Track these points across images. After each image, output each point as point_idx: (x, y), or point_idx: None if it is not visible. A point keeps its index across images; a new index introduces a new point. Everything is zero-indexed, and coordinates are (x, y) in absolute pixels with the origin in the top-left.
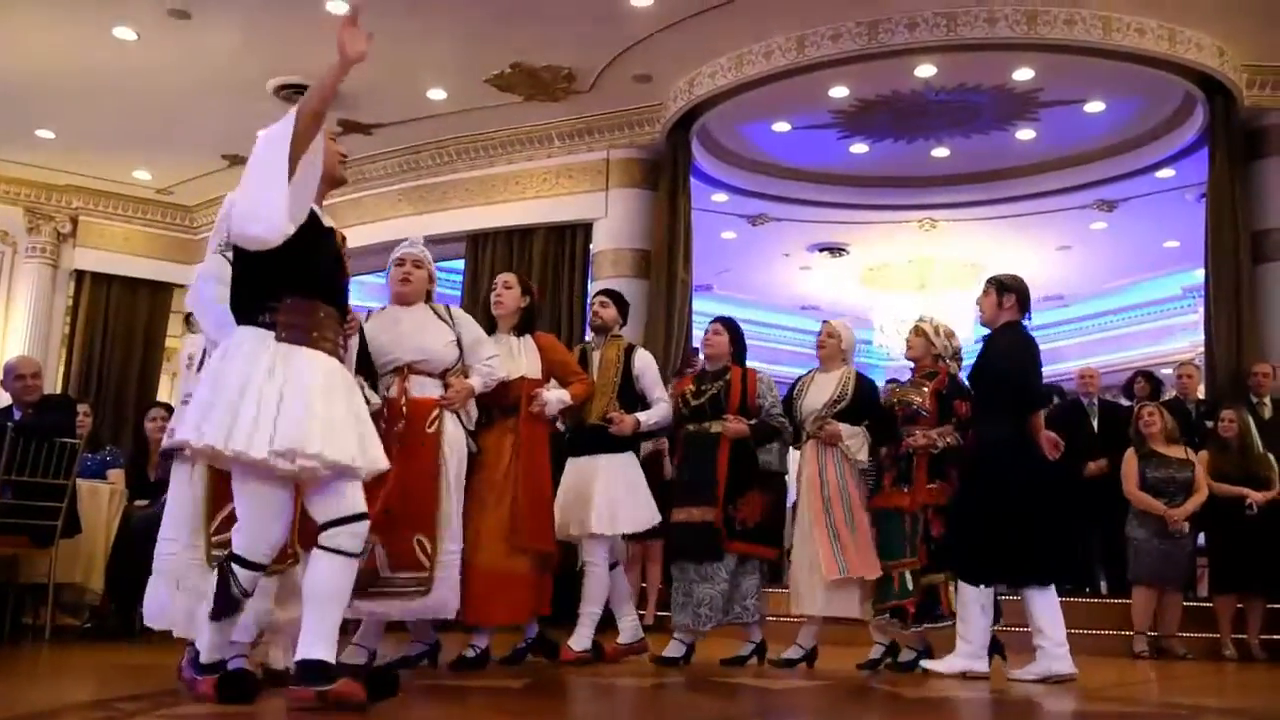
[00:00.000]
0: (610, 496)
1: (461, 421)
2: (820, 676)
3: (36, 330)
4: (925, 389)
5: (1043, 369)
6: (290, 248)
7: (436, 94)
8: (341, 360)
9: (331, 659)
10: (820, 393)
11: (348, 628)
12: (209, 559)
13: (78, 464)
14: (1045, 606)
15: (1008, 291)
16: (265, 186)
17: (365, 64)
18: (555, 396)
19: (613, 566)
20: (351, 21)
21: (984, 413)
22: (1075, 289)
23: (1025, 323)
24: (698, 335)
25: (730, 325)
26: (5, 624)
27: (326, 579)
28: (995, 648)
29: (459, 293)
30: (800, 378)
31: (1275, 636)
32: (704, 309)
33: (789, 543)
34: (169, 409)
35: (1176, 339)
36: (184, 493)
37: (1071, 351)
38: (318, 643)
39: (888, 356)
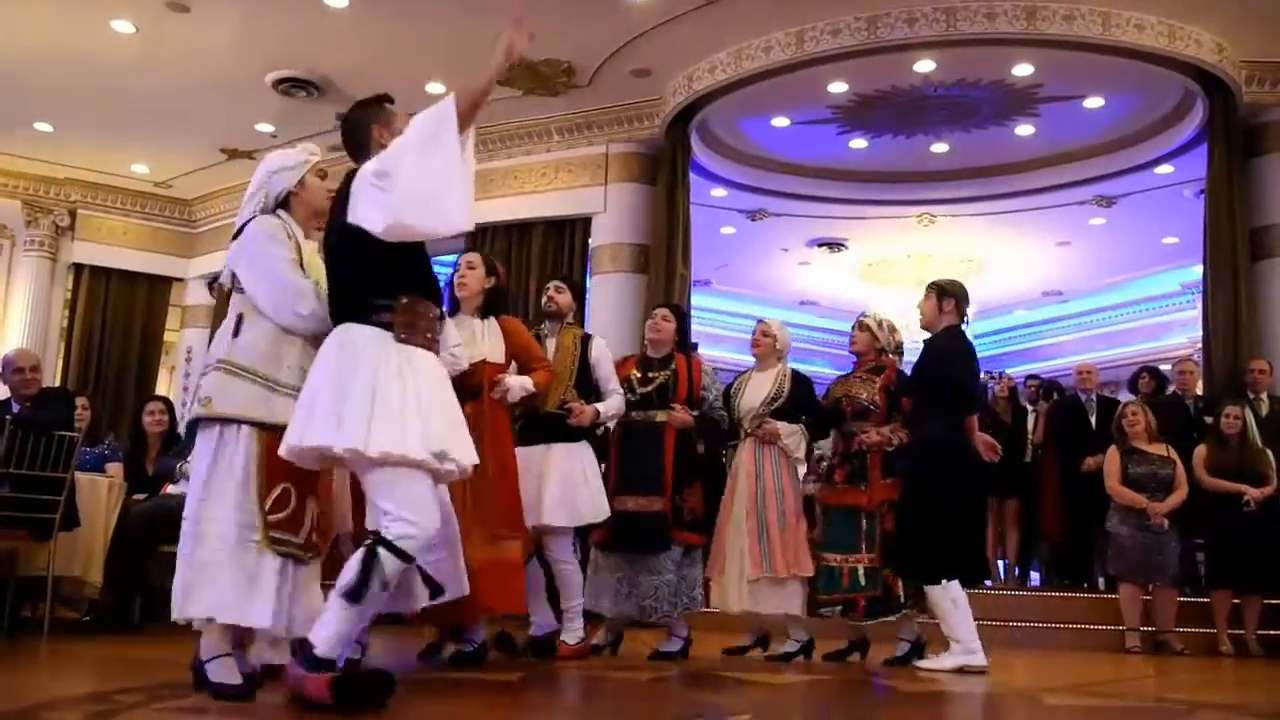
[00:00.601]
0: (568, 487)
1: None
2: (820, 671)
3: (35, 323)
4: (874, 384)
5: (980, 374)
6: (409, 245)
7: (435, 87)
8: None
9: (335, 656)
10: (757, 391)
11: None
12: (267, 542)
13: (76, 457)
14: (949, 603)
15: (947, 296)
16: (445, 174)
17: (363, 55)
18: (518, 383)
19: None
20: (520, 22)
21: (922, 413)
22: (1074, 285)
23: (964, 327)
24: (696, 331)
25: (679, 313)
26: (4, 617)
27: (356, 565)
28: (918, 646)
29: None
30: (738, 375)
31: (1272, 632)
32: (703, 304)
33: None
34: (167, 402)
35: (1175, 335)
36: (220, 471)
37: (1070, 347)
38: (323, 627)
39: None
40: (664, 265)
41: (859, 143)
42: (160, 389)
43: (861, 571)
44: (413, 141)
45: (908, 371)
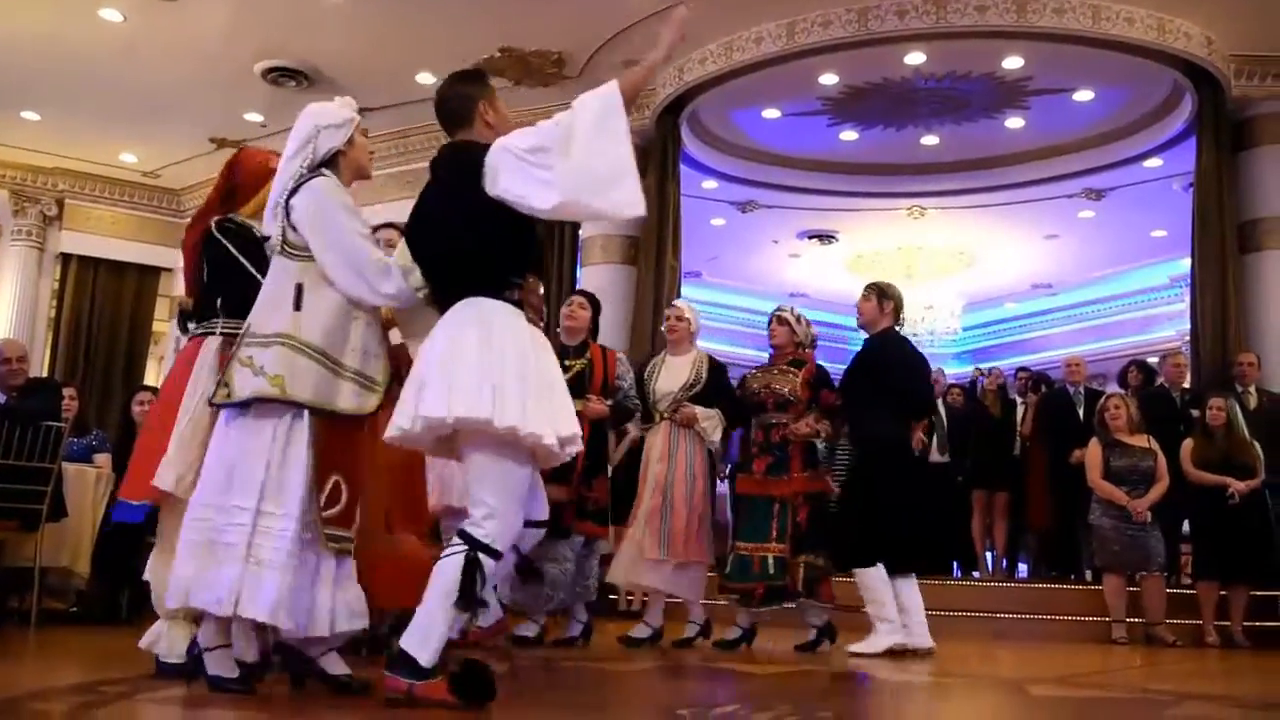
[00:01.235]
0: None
1: None
2: (806, 662)
3: (22, 313)
4: (795, 377)
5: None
6: (533, 225)
7: (425, 77)
8: None
9: (432, 657)
10: (673, 376)
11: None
12: (324, 541)
13: (63, 448)
14: (879, 583)
15: (887, 299)
16: (619, 159)
17: (353, 45)
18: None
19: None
20: (683, 23)
21: (867, 411)
22: (1063, 277)
23: (898, 329)
24: None
25: (594, 301)
26: None
27: (452, 571)
28: (827, 631)
29: None
30: (652, 360)
31: (1258, 623)
32: (693, 296)
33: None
34: (156, 392)
35: (1163, 328)
36: (249, 454)
37: (1059, 340)
38: (424, 639)
39: None
40: (654, 257)
41: (849, 135)
42: (149, 379)
43: (771, 560)
44: (583, 123)
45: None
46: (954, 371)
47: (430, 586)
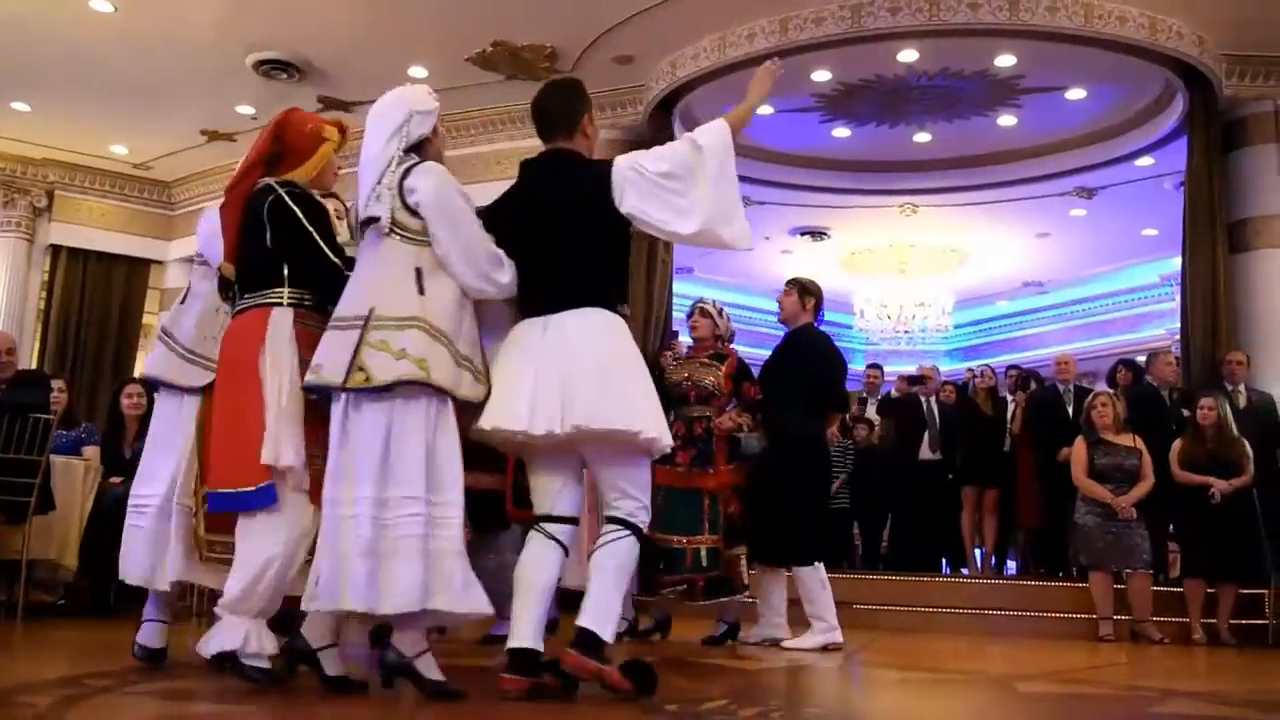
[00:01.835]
0: None
1: None
2: (795, 658)
3: (11, 305)
4: (718, 370)
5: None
6: None
7: (418, 71)
8: None
9: (612, 635)
10: None
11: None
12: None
13: (51, 440)
14: (818, 583)
15: (809, 294)
16: (735, 198)
17: (345, 39)
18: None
19: None
20: (776, 73)
21: (786, 406)
22: (1054, 275)
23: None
24: (678, 318)
25: None
26: None
27: (627, 552)
28: (738, 626)
29: None
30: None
31: (1244, 621)
32: (685, 291)
33: None
34: (145, 384)
35: (1154, 326)
36: (403, 441)
37: (1051, 338)
38: (607, 619)
39: (867, 341)
40: (646, 252)
41: (842, 131)
42: (138, 372)
43: (704, 553)
44: (712, 159)
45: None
46: (946, 369)
47: (601, 571)
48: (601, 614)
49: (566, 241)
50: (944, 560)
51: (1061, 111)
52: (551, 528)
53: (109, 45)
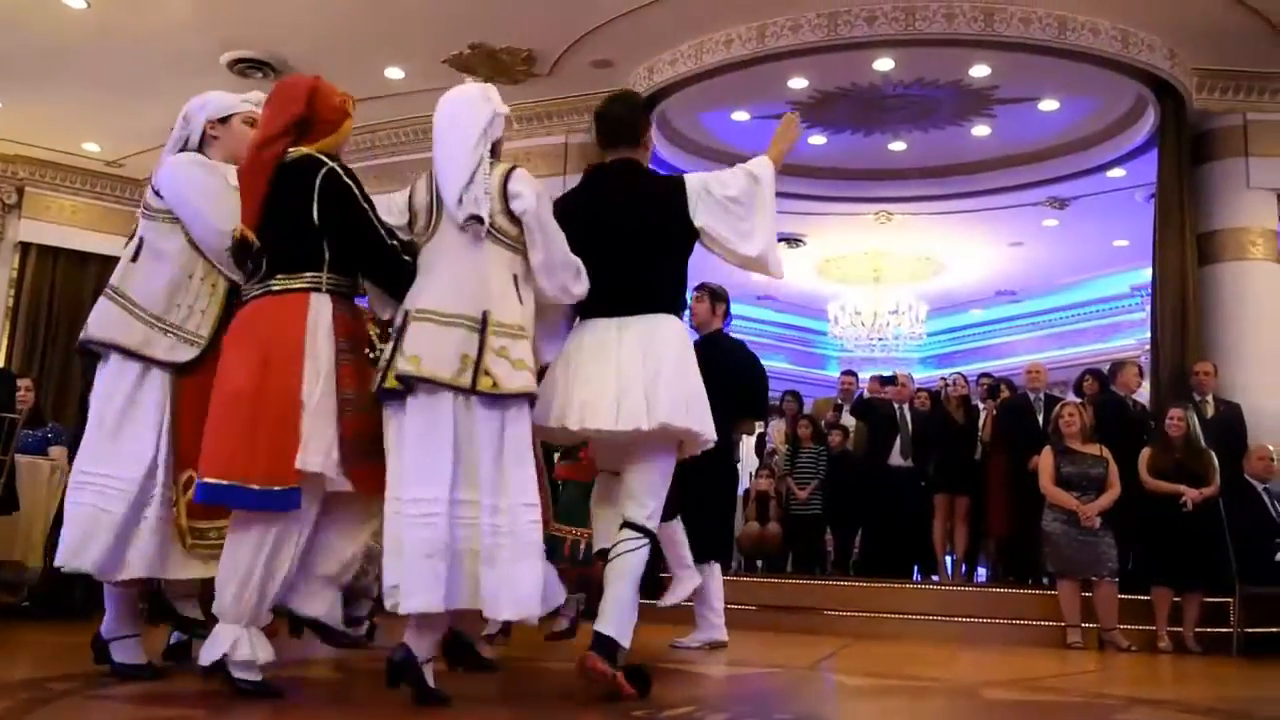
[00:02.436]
0: None
1: None
2: (763, 664)
3: None
4: None
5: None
6: None
7: (394, 72)
8: None
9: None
10: None
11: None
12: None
13: (16, 439)
14: (715, 582)
15: (720, 300)
16: (776, 230)
17: (321, 38)
18: None
19: None
20: (796, 125)
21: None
22: (1027, 285)
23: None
24: None
25: None
26: None
27: (641, 561)
28: (572, 627)
29: None
30: None
31: (1209, 629)
32: None
33: None
34: None
35: (1124, 336)
36: (485, 452)
37: (1023, 346)
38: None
39: (842, 347)
40: None
41: (818, 139)
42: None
43: (583, 545)
44: (766, 191)
45: None
46: (919, 376)
47: (619, 579)
48: (618, 621)
49: (641, 248)
50: (915, 567)
51: (1035, 122)
52: (633, 526)
53: (82, 41)
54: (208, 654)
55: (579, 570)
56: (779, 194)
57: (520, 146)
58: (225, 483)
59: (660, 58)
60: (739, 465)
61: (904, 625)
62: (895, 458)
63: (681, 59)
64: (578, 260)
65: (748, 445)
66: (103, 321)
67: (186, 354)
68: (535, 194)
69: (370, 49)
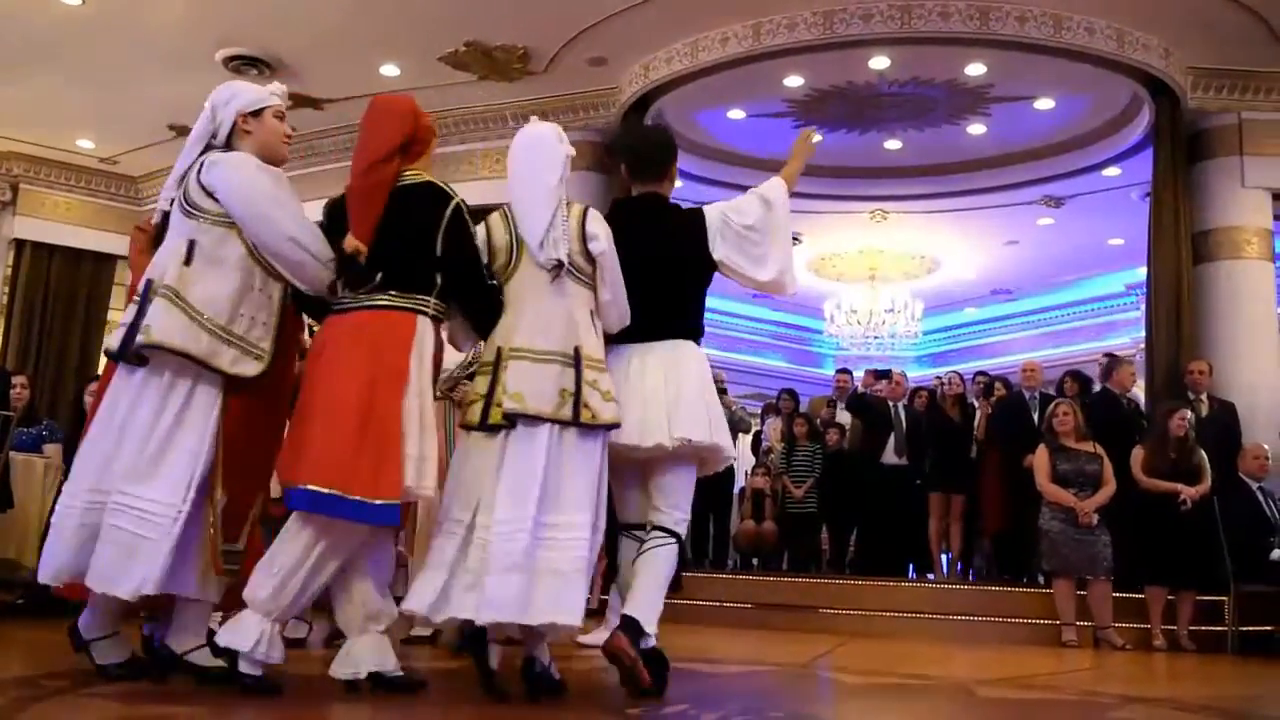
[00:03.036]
0: None
1: None
2: (759, 661)
3: None
4: None
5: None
6: None
7: (389, 70)
8: None
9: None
10: (451, 354)
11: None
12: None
13: (10, 437)
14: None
15: None
16: (792, 252)
17: (315, 35)
18: None
19: None
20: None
21: None
22: (1022, 283)
23: None
24: None
25: None
26: None
27: (669, 557)
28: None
29: None
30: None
31: (1204, 628)
32: None
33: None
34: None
35: (1119, 335)
36: (589, 473)
37: (1018, 345)
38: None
39: (838, 346)
40: None
41: (813, 138)
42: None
43: None
44: (780, 217)
45: None
46: (914, 374)
47: (649, 572)
48: (646, 606)
49: (663, 279)
50: (910, 565)
51: (1030, 121)
52: (662, 529)
53: (77, 38)
54: (229, 638)
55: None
56: None
57: None
58: (326, 491)
59: (655, 55)
60: (735, 463)
61: (899, 623)
62: (889, 455)
63: (677, 57)
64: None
65: (744, 443)
66: (168, 327)
67: (252, 368)
68: (609, 235)
69: (365, 46)
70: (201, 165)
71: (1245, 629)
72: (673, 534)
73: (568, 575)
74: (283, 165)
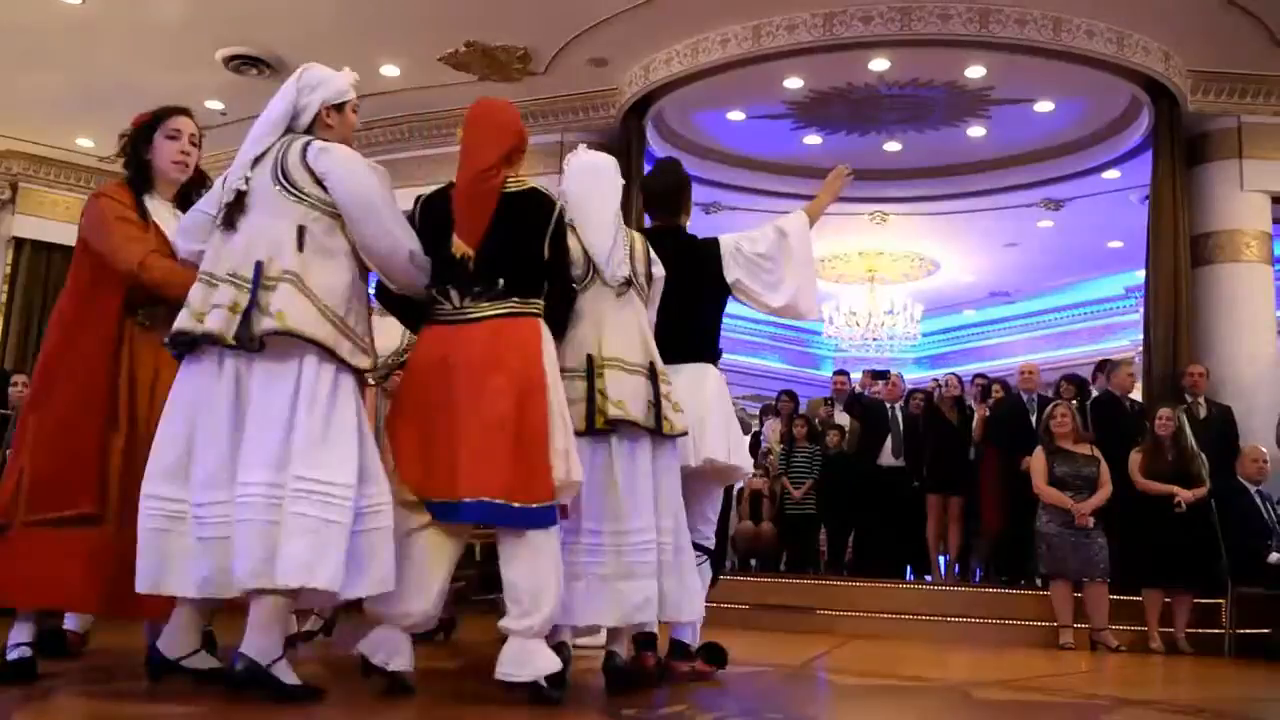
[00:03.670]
0: None
1: None
2: (756, 664)
3: None
4: None
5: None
6: None
7: (390, 70)
8: None
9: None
10: (386, 340)
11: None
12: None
13: (10, 435)
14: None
15: None
16: (814, 277)
17: (315, 35)
18: None
19: None
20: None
21: None
22: (1021, 285)
23: None
24: None
25: None
26: None
27: (705, 573)
28: (445, 626)
29: None
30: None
31: (1200, 630)
32: None
33: None
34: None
35: (1118, 337)
36: (670, 487)
37: (1017, 347)
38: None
39: (837, 347)
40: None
41: (813, 139)
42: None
43: (478, 547)
44: (799, 245)
45: None
46: (913, 376)
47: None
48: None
49: (681, 304)
50: (908, 567)
51: (1030, 123)
52: (699, 548)
53: (76, 37)
54: (518, 669)
55: (480, 570)
56: (775, 194)
57: None
58: (499, 501)
59: (656, 56)
60: None
61: (896, 625)
62: (886, 457)
63: (677, 58)
64: None
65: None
66: (302, 313)
67: (365, 362)
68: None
69: (366, 46)
70: (306, 149)
71: (1242, 631)
72: (702, 550)
73: (683, 577)
74: None
